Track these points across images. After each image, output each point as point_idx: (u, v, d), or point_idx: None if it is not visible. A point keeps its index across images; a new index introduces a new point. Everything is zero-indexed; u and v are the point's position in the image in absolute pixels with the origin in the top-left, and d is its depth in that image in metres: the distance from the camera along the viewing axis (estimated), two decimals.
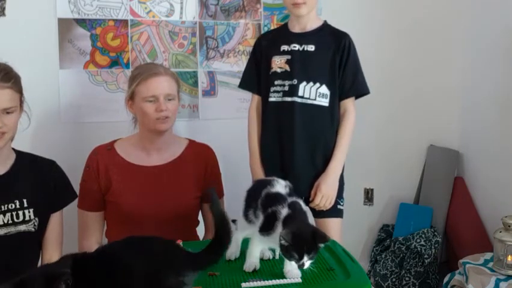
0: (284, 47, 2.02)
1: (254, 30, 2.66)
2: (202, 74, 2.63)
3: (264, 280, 1.37)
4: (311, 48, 1.99)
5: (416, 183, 3.00)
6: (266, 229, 1.29)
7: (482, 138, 2.78)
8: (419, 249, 2.68)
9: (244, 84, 2.17)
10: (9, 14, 2.31)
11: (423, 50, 2.91)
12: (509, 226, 2.13)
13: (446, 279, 2.39)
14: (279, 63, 2.01)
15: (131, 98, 1.97)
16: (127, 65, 2.52)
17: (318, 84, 1.97)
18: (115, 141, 2.04)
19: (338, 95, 2.00)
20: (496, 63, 2.64)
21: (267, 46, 2.08)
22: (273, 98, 2.02)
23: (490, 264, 2.20)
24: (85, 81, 2.47)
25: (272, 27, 2.67)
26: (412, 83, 2.90)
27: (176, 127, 2.54)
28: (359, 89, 2.03)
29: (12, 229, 1.65)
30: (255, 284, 1.37)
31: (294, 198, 1.32)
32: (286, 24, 2.11)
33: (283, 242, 1.21)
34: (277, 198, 1.32)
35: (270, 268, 1.46)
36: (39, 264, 1.80)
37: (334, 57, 1.98)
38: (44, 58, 2.39)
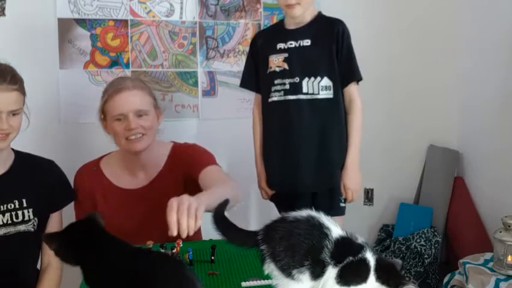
0: (280, 45, 2.00)
1: (254, 30, 2.66)
2: (202, 74, 2.63)
3: (264, 279, 1.37)
4: (307, 42, 1.97)
5: (416, 183, 2.99)
6: (355, 281, 1.10)
7: (482, 138, 2.77)
8: (419, 249, 2.68)
9: (244, 84, 2.16)
10: (9, 14, 2.31)
11: (423, 50, 2.90)
12: (509, 226, 2.13)
13: (446, 279, 2.38)
14: (276, 62, 1.99)
15: (104, 117, 1.84)
16: (127, 65, 2.52)
17: (319, 78, 1.96)
18: (101, 158, 1.95)
19: (340, 84, 1.99)
20: (496, 63, 2.64)
21: (263, 45, 2.06)
22: (274, 98, 2.01)
23: (490, 264, 2.19)
24: (85, 81, 2.47)
25: None
26: (412, 83, 2.90)
27: (177, 127, 2.54)
28: (356, 75, 2.02)
29: (11, 229, 1.65)
30: (255, 283, 1.37)
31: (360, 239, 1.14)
32: (282, 21, 2.09)
33: None
34: (349, 244, 1.13)
35: None
36: (38, 264, 1.80)
37: (331, 47, 1.97)
38: (44, 58, 2.39)
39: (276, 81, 2.00)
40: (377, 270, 1.10)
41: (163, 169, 1.88)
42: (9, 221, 1.65)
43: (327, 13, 2.08)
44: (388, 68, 2.83)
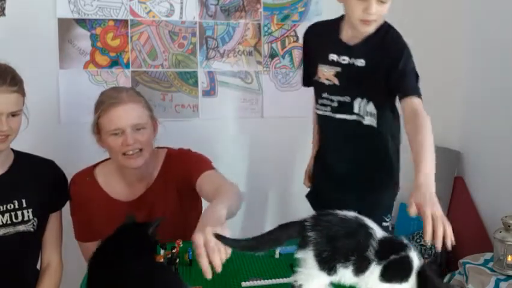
0: (333, 57, 1.80)
1: (254, 30, 2.66)
2: (202, 74, 2.62)
3: (264, 279, 1.37)
4: (361, 63, 1.76)
5: None
6: (397, 277, 1.15)
7: (482, 138, 2.77)
8: (419, 249, 2.68)
9: (306, 83, 2.01)
10: (9, 14, 2.31)
11: (424, 50, 2.88)
12: (509, 226, 2.13)
13: (446, 279, 2.38)
14: (327, 74, 1.82)
15: (98, 131, 1.76)
16: (127, 65, 2.52)
17: (365, 101, 1.79)
18: (95, 166, 1.87)
19: (386, 112, 1.80)
20: (497, 63, 2.64)
21: (315, 48, 1.89)
22: (320, 112, 1.87)
23: (490, 264, 2.19)
24: (85, 81, 2.47)
25: (272, 27, 2.66)
26: None
27: (177, 127, 2.54)
28: (415, 90, 1.79)
29: (11, 229, 1.65)
30: (255, 283, 1.37)
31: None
32: (337, 23, 1.84)
33: None
34: (396, 243, 1.20)
35: (270, 267, 1.46)
36: (38, 264, 1.80)
37: (384, 70, 1.74)
38: (44, 58, 2.39)
39: (323, 95, 1.84)
40: (419, 274, 1.14)
41: (157, 178, 1.83)
42: (9, 222, 1.65)
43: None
44: None
